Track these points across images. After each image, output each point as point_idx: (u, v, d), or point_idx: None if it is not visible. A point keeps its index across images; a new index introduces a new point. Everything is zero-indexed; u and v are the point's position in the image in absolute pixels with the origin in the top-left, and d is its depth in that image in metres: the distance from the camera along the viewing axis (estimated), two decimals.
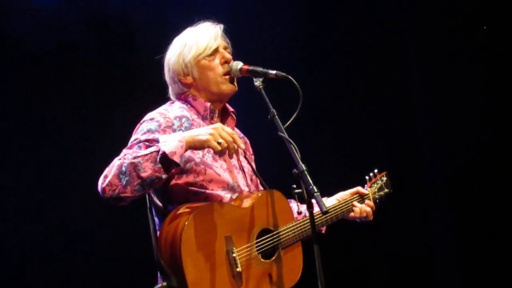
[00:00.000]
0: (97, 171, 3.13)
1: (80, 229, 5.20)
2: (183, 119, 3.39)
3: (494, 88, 5.82)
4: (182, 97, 3.53)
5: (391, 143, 5.92)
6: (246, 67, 3.43)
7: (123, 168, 3.04)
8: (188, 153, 3.26)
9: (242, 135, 3.73)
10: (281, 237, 3.35)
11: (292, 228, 3.39)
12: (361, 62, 5.95)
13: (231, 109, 3.61)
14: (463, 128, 5.89)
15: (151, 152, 3.07)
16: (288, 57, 5.66)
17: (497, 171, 5.79)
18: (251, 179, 3.59)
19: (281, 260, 3.34)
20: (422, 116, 6.08)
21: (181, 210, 3.16)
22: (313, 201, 3.03)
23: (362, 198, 3.89)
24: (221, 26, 3.55)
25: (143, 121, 3.35)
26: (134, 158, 3.06)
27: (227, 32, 3.56)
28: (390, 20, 6.01)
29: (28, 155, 5.16)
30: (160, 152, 3.06)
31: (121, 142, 3.30)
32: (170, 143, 3.08)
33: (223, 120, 3.57)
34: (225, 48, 3.52)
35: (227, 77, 3.47)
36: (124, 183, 3.04)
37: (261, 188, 3.62)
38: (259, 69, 3.38)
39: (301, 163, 3.05)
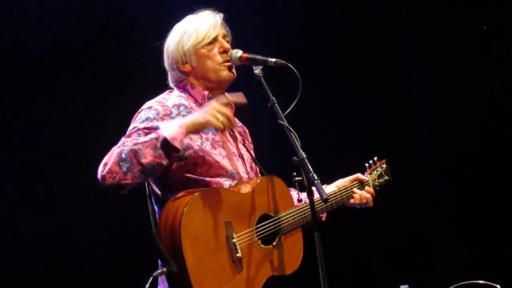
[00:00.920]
0: (96, 160, 3.14)
1: (79, 218, 5.22)
2: (181, 108, 3.39)
3: (494, 79, 5.85)
4: (180, 85, 3.54)
5: (392, 129, 5.95)
6: (245, 55, 3.43)
7: (123, 155, 3.04)
8: (187, 140, 3.27)
9: (240, 124, 3.73)
10: (282, 223, 3.36)
11: (292, 214, 3.40)
12: (362, 48, 5.97)
13: None
14: (463, 112, 5.91)
15: (151, 139, 3.08)
16: (288, 46, 5.67)
17: (496, 156, 5.81)
18: (251, 167, 3.59)
19: (281, 246, 3.35)
20: (422, 100, 6.10)
21: (180, 196, 3.16)
22: (313, 188, 3.03)
23: (362, 184, 3.90)
24: (221, 15, 3.55)
25: (141, 110, 3.36)
26: (134, 144, 3.06)
27: (226, 20, 3.56)
28: (392, 12, 6.03)
29: (26, 150, 5.17)
30: (161, 138, 3.06)
31: (120, 133, 3.30)
32: (170, 129, 3.09)
33: None
34: (224, 37, 3.52)
35: (226, 64, 3.47)
36: (124, 170, 3.04)
37: (260, 175, 3.62)
38: (259, 57, 3.38)
39: (301, 150, 3.06)
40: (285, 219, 3.38)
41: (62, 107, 5.26)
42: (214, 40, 3.48)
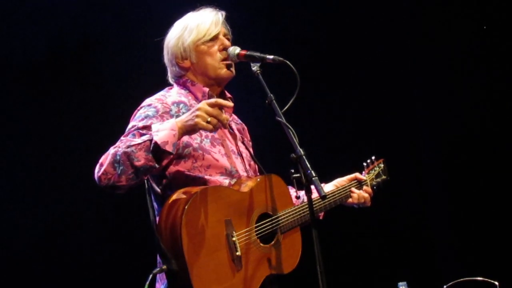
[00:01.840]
0: (95, 156, 3.15)
1: (78, 215, 5.22)
2: (181, 105, 3.38)
3: (492, 78, 5.87)
4: (180, 81, 3.53)
5: (390, 126, 5.97)
6: (243, 52, 3.42)
7: (117, 157, 3.05)
8: (186, 138, 3.26)
9: (239, 121, 3.73)
10: (280, 221, 3.36)
11: (291, 213, 3.40)
12: (361, 45, 5.98)
13: (229, 95, 3.60)
14: (461, 109, 5.94)
15: (144, 141, 3.08)
16: (289, 47, 5.67)
17: (495, 154, 5.83)
18: (250, 165, 3.58)
19: (280, 245, 3.35)
20: (420, 97, 6.12)
21: (181, 194, 3.17)
22: (312, 186, 3.03)
23: (360, 184, 3.90)
24: (223, 12, 3.54)
25: (141, 107, 3.35)
26: (128, 147, 3.06)
27: (228, 19, 3.55)
28: (392, 16, 6.04)
29: (22, 149, 5.17)
30: (153, 142, 3.06)
31: (118, 132, 3.30)
32: (162, 132, 3.08)
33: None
34: (225, 35, 3.51)
35: (225, 62, 3.46)
36: (119, 172, 3.05)
37: (259, 174, 3.61)
38: (257, 54, 3.37)
39: (299, 147, 3.07)
40: (283, 218, 3.38)
41: (60, 108, 5.27)
42: (215, 37, 3.47)
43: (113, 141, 3.18)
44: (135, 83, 5.21)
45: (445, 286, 4.67)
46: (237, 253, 3.17)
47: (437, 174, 6.08)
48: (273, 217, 3.35)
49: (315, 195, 3.09)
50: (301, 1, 5.92)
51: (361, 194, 3.85)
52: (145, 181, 3.31)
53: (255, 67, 3.34)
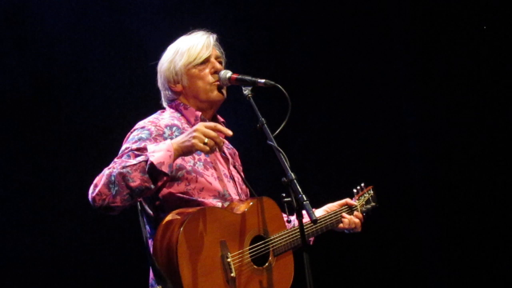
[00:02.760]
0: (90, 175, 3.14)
1: (71, 233, 5.19)
2: (174, 128, 3.38)
3: (481, 90, 5.90)
4: (173, 105, 3.54)
5: (380, 143, 5.99)
6: (235, 76, 3.43)
7: (112, 178, 3.04)
8: (179, 161, 3.26)
9: (230, 146, 3.73)
10: (273, 244, 3.36)
11: (283, 236, 3.40)
12: (350, 65, 6.01)
13: (221, 119, 3.61)
14: (449, 122, 5.97)
15: (140, 162, 3.08)
16: (278, 64, 5.70)
17: (485, 166, 5.86)
18: (241, 189, 3.58)
19: (273, 268, 3.34)
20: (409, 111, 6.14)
21: (175, 215, 3.17)
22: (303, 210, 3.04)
23: (351, 209, 3.91)
24: (215, 35, 3.55)
25: (134, 130, 3.35)
26: (123, 168, 3.06)
27: (221, 42, 3.58)
28: (381, 25, 6.08)
29: (20, 160, 5.16)
30: (149, 163, 3.06)
31: (114, 149, 3.30)
32: (158, 153, 3.08)
33: None
34: (217, 58, 3.52)
35: (216, 84, 3.47)
36: (113, 193, 3.04)
37: (251, 197, 3.61)
38: (248, 77, 3.38)
39: (290, 171, 3.07)
40: (276, 241, 3.38)
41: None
42: (206, 60, 3.48)
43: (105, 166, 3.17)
44: (124, 112, 5.21)
45: None
46: (232, 275, 3.16)
47: (426, 190, 6.10)
48: (266, 240, 3.35)
49: (306, 219, 3.08)
50: (289, 26, 5.95)
51: (352, 219, 3.86)
52: (138, 203, 3.29)
53: (246, 91, 3.35)
